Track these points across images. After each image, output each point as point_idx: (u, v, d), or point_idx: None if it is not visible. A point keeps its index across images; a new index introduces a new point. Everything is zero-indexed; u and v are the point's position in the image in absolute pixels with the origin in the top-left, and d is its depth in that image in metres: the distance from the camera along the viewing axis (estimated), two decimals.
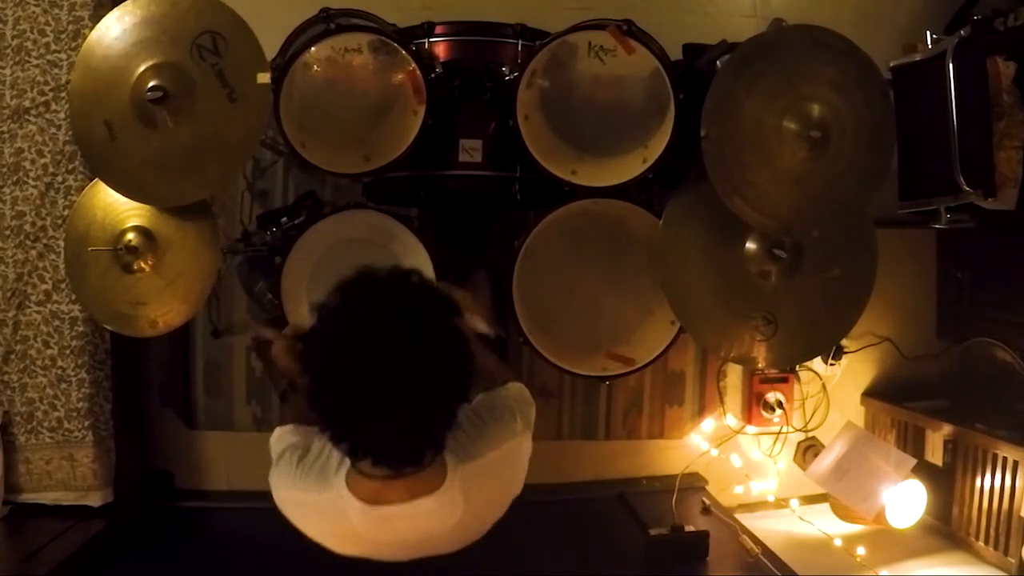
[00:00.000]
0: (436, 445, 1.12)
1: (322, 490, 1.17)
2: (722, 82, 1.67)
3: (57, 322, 2.13)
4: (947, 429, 2.36)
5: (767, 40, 1.70)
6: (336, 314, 1.09)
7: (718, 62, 1.79)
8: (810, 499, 2.62)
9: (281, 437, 1.34)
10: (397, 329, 1.04)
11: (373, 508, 1.14)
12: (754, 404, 2.63)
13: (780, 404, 2.63)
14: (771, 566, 2.08)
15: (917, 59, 2.20)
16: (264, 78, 1.63)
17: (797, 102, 1.67)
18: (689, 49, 2.11)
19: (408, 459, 1.11)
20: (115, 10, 1.64)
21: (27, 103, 2.11)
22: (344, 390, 1.05)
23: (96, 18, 1.70)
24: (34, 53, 2.11)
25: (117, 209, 1.79)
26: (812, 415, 2.69)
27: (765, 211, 1.72)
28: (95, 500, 2.19)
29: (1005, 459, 2.16)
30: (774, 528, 2.47)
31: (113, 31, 1.64)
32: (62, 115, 2.09)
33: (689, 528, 2.17)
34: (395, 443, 1.08)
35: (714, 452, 2.64)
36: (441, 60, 1.87)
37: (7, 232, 2.12)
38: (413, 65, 1.73)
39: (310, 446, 1.25)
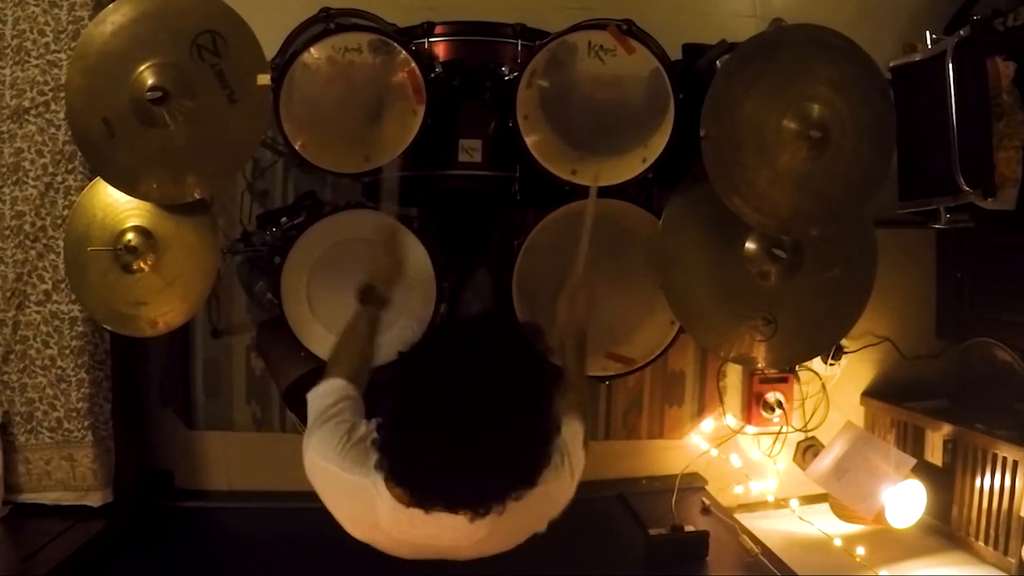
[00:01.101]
0: (498, 505, 1.12)
1: (357, 473, 1.18)
2: (722, 82, 1.66)
3: (57, 322, 2.13)
4: (947, 429, 2.36)
5: (767, 40, 1.70)
6: (447, 363, 1.10)
7: (718, 62, 1.79)
8: (810, 499, 2.62)
9: (333, 397, 1.33)
10: (485, 403, 1.05)
11: (403, 509, 1.14)
12: (754, 404, 2.63)
13: (780, 404, 2.63)
14: (771, 566, 2.08)
15: (917, 59, 2.20)
16: (264, 80, 1.63)
17: (797, 102, 1.67)
18: (689, 49, 2.10)
19: (445, 508, 1.11)
20: (112, 5, 1.64)
21: (27, 103, 2.11)
22: (417, 438, 1.06)
23: None
24: (34, 53, 2.11)
25: (117, 209, 1.79)
26: (812, 415, 2.69)
27: (764, 210, 1.72)
28: (95, 500, 2.19)
29: (1005, 459, 2.17)
30: (774, 528, 2.47)
31: (111, 27, 1.63)
32: (62, 115, 2.09)
33: (689, 528, 2.17)
34: (440, 494, 1.09)
35: (714, 452, 2.64)
36: (441, 60, 1.87)
37: (7, 232, 2.12)
38: (413, 65, 1.73)
39: (358, 424, 1.25)
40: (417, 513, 1.13)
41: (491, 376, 1.08)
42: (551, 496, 1.28)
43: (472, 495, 1.09)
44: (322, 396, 1.34)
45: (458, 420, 1.04)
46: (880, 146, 1.74)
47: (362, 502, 1.19)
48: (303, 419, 1.84)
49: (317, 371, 1.80)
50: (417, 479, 1.08)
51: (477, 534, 1.18)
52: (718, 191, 1.69)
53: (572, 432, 1.38)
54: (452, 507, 1.09)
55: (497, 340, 1.17)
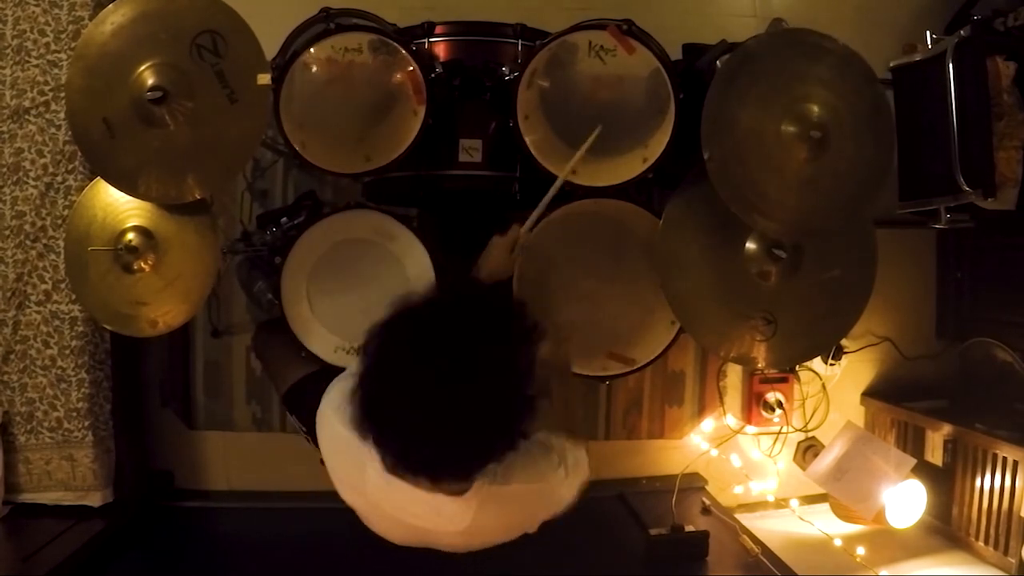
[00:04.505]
0: (466, 477, 1.12)
1: (356, 431, 1.16)
2: (714, 102, 1.65)
3: (57, 322, 2.13)
4: (947, 429, 2.36)
5: (747, 53, 1.68)
6: (408, 327, 1.10)
7: (718, 62, 1.79)
8: (810, 499, 2.62)
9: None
10: (456, 362, 1.05)
11: (391, 477, 1.13)
12: (754, 404, 2.63)
13: (780, 404, 2.63)
14: (771, 566, 2.08)
15: (917, 59, 2.21)
16: (264, 79, 1.63)
17: (792, 105, 1.66)
18: (689, 49, 2.10)
19: (430, 477, 1.10)
20: (112, 5, 1.64)
21: (27, 103, 2.11)
22: (394, 401, 1.06)
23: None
24: (34, 53, 2.11)
25: (117, 209, 1.79)
26: (812, 415, 2.69)
27: (782, 219, 1.72)
28: (95, 500, 2.19)
29: (1005, 459, 2.17)
30: (774, 528, 2.47)
31: (111, 27, 1.63)
32: (62, 115, 2.09)
33: (689, 528, 2.17)
34: (426, 459, 1.08)
35: (714, 452, 2.64)
36: (441, 60, 1.86)
37: (7, 232, 2.12)
38: (413, 65, 1.72)
39: None
40: (403, 488, 1.12)
41: (468, 335, 1.07)
42: (542, 495, 1.27)
43: (451, 457, 1.07)
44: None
45: (434, 378, 1.03)
46: (880, 133, 1.72)
47: (354, 464, 1.18)
48: (304, 422, 1.85)
49: (317, 374, 1.81)
50: (396, 442, 1.07)
51: (461, 520, 1.17)
52: (735, 211, 1.68)
53: (571, 442, 1.38)
54: (434, 475, 1.09)
55: (478, 304, 1.16)
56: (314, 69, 1.80)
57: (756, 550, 2.16)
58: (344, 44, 1.77)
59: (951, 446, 2.34)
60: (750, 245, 1.86)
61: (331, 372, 1.83)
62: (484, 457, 1.09)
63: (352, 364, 1.31)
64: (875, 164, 1.73)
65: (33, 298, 2.13)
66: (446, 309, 1.13)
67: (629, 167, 1.82)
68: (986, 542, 2.24)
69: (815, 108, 1.67)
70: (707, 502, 2.47)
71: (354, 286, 1.90)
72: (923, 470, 2.36)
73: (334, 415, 1.23)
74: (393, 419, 1.06)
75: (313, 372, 1.82)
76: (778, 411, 2.62)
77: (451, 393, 1.03)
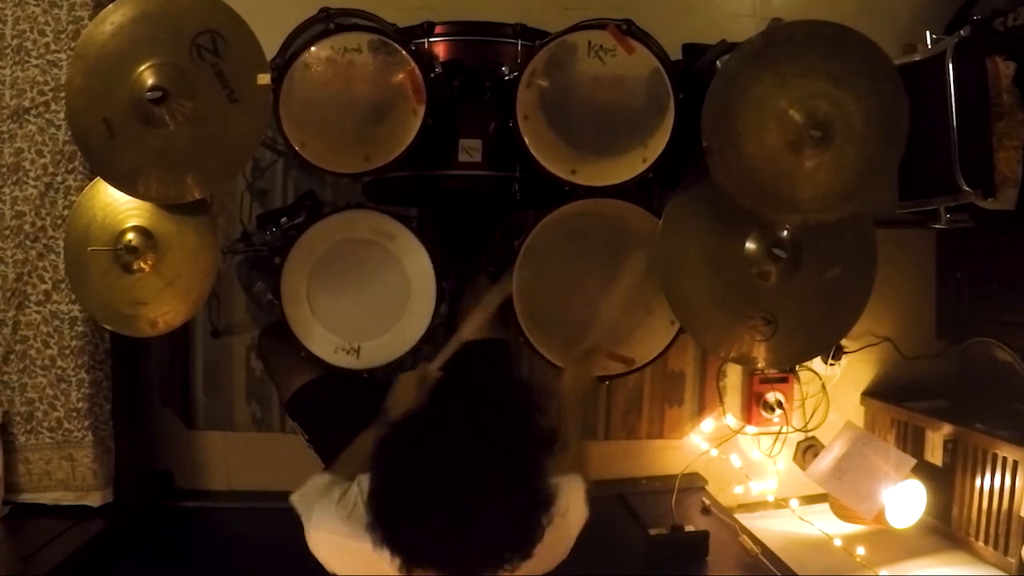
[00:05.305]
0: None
1: (365, 539, 1.18)
2: (717, 93, 1.64)
3: (57, 322, 2.13)
4: (947, 429, 2.36)
5: (759, 44, 1.67)
6: (434, 428, 1.13)
7: (718, 62, 1.79)
8: (810, 499, 2.62)
9: (317, 481, 1.40)
10: (470, 476, 1.07)
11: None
12: (754, 404, 2.63)
13: (780, 404, 2.63)
14: (771, 566, 2.08)
15: (917, 59, 2.20)
16: (264, 79, 1.63)
17: (794, 102, 1.65)
18: (689, 49, 2.10)
19: (436, 572, 1.13)
20: (112, 5, 1.64)
21: (27, 103, 2.10)
22: (407, 505, 1.09)
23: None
24: (34, 53, 2.11)
25: (117, 209, 1.79)
26: (812, 415, 2.69)
27: (777, 206, 1.70)
28: (95, 500, 2.18)
29: (1005, 459, 2.17)
30: (774, 528, 2.47)
31: (111, 27, 1.63)
32: (62, 115, 2.08)
33: (689, 528, 2.17)
34: (429, 560, 1.11)
35: (714, 452, 2.64)
36: (441, 60, 1.87)
37: (7, 232, 2.12)
38: (413, 65, 1.73)
39: (349, 488, 1.29)
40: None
41: (485, 446, 1.10)
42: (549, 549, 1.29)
43: (461, 563, 1.10)
44: (313, 485, 1.41)
45: (449, 489, 1.06)
46: (891, 131, 1.69)
47: (372, 565, 1.20)
48: (304, 427, 1.85)
49: (320, 380, 1.81)
50: (406, 547, 1.11)
51: None
52: (729, 195, 1.68)
53: (572, 489, 1.41)
54: (442, 571, 1.12)
55: (493, 408, 1.18)
56: (314, 69, 1.80)
57: (756, 550, 2.16)
58: (344, 44, 1.77)
59: (951, 446, 2.34)
60: (750, 245, 1.85)
61: (331, 379, 1.83)
62: (509, 557, 1.12)
63: (324, 479, 1.40)
64: (878, 160, 1.71)
65: (33, 298, 2.13)
66: (462, 417, 1.15)
67: (629, 167, 1.82)
68: (986, 542, 2.24)
69: (819, 105, 1.65)
70: (707, 502, 2.47)
71: (354, 286, 1.91)
72: (923, 470, 2.36)
73: (334, 534, 1.26)
74: (412, 528, 1.09)
75: (315, 379, 1.82)
76: (778, 411, 2.62)
77: (473, 502, 1.07)
